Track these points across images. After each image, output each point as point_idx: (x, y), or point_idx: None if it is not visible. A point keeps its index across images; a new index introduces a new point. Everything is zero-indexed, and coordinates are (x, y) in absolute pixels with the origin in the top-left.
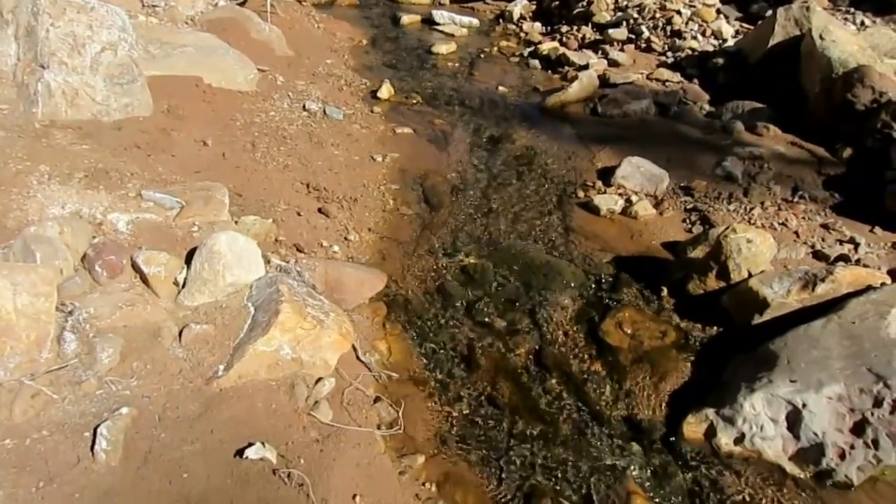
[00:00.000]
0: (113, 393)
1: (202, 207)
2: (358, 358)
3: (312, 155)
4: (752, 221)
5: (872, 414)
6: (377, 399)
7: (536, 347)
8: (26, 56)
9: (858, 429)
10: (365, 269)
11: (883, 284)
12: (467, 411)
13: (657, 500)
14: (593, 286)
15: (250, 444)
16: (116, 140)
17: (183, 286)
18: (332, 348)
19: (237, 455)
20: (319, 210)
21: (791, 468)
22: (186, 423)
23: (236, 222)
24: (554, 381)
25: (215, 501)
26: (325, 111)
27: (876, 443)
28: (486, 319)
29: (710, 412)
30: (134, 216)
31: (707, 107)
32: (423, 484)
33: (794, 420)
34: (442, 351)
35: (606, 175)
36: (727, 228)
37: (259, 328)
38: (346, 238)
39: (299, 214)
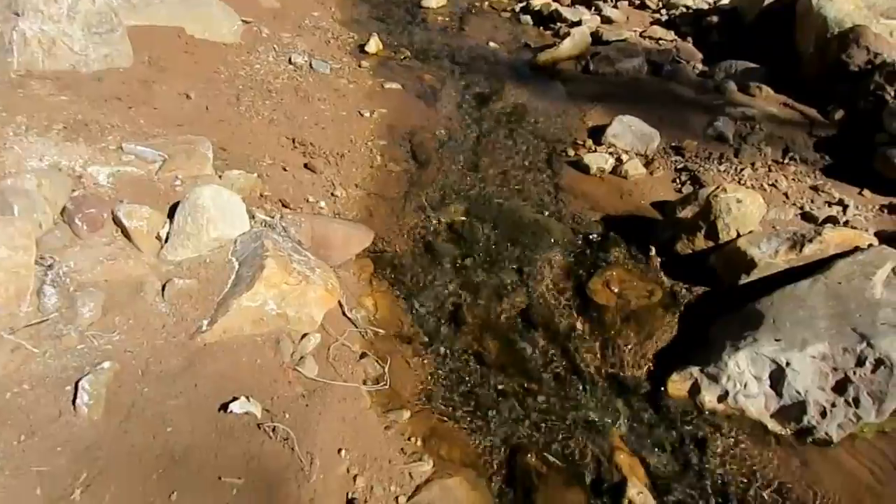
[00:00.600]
0: (95, 347)
1: (185, 161)
2: (344, 314)
3: (298, 109)
4: (743, 182)
5: (855, 373)
6: (363, 355)
7: (524, 305)
8: None
9: (840, 387)
10: (352, 225)
11: (870, 246)
12: (453, 367)
13: (641, 455)
14: (581, 245)
15: (235, 399)
16: (96, 91)
17: (166, 241)
18: (317, 304)
19: (221, 409)
20: (306, 165)
21: (773, 425)
22: (170, 377)
23: (220, 177)
24: (541, 338)
25: (199, 455)
26: (311, 65)
27: (857, 401)
28: (474, 277)
29: (695, 370)
30: (115, 169)
31: (700, 66)
32: (409, 438)
33: (778, 378)
34: (428, 308)
35: (597, 133)
36: (717, 188)
37: (243, 283)
38: (332, 194)
39: (285, 170)
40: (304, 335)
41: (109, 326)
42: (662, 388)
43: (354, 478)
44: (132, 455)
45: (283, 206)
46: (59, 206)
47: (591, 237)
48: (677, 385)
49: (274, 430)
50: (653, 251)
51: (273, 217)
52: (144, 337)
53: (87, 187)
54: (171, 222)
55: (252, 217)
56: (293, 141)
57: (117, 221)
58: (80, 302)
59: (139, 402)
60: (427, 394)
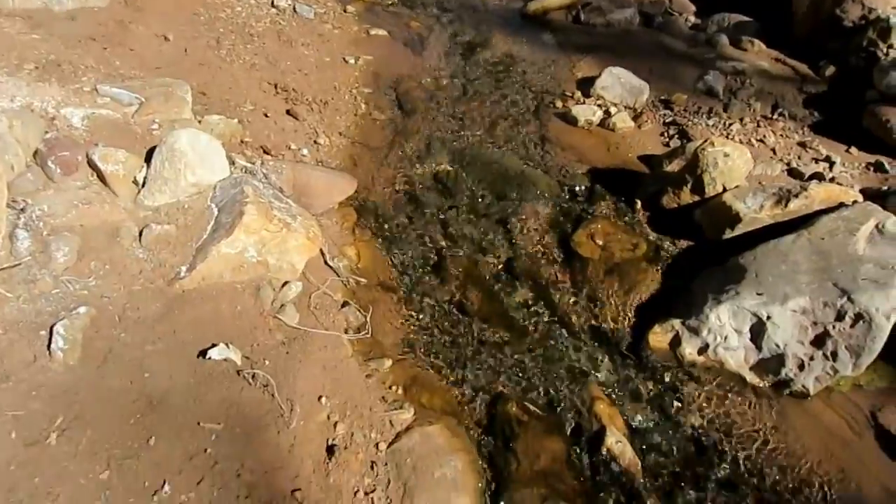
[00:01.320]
0: (70, 292)
1: (163, 104)
2: (326, 263)
3: (281, 54)
4: (731, 137)
5: (834, 327)
6: (345, 304)
7: (507, 256)
8: None
9: (819, 341)
10: (334, 173)
11: (855, 202)
12: (436, 317)
13: (620, 404)
14: (567, 197)
15: (213, 346)
16: (69, 31)
17: (143, 185)
18: (299, 252)
19: (200, 356)
20: (288, 112)
21: (751, 378)
22: (148, 323)
23: (199, 121)
24: (524, 289)
25: (177, 400)
26: (294, 8)
27: (835, 355)
28: (458, 228)
29: (676, 322)
30: (89, 111)
31: (693, 18)
32: (390, 387)
33: (758, 331)
34: (412, 258)
35: (586, 85)
36: (705, 142)
37: (223, 229)
38: (315, 141)
39: (267, 116)
40: (285, 283)
41: (85, 272)
42: (643, 340)
43: (335, 424)
44: (109, 400)
45: (265, 152)
46: (32, 148)
47: (576, 190)
48: (658, 337)
49: (254, 376)
50: (638, 205)
51: (254, 163)
52: (121, 283)
53: (61, 129)
54: (148, 167)
55: (232, 163)
56: (275, 87)
57: (92, 165)
58: (54, 246)
59: (116, 348)
60: (409, 343)
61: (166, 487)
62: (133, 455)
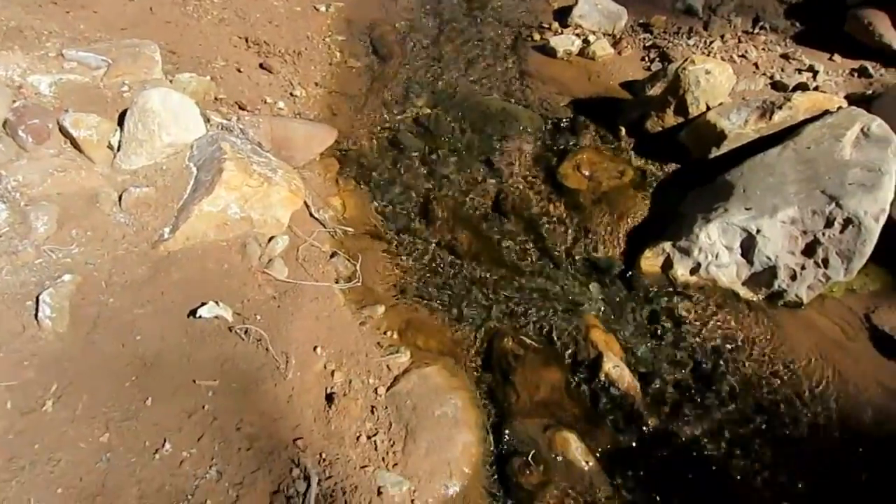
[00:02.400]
0: (53, 261)
1: (131, 65)
2: (311, 215)
3: (250, 7)
4: (712, 55)
5: (824, 234)
6: (334, 254)
7: (494, 195)
8: None
9: (809, 250)
10: (313, 124)
11: (839, 108)
12: (426, 261)
13: (615, 330)
14: (551, 130)
15: (203, 304)
16: None
17: (118, 149)
18: (283, 205)
19: (191, 315)
20: (261, 65)
21: (745, 292)
22: (135, 287)
23: (171, 81)
24: (512, 226)
25: (171, 360)
26: None
27: (826, 262)
28: (443, 169)
29: (667, 245)
30: (57, 77)
31: None
32: (385, 332)
33: (749, 246)
34: (398, 203)
35: (563, 15)
36: (685, 61)
37: (203, 188)
38: (291, 94)
39: (240, 71)
40: (272, 238)
41: (66, 240)
42: (635, 266)
43: (332, 373)
44: (102, 364)
45: (240, 108)
46: (1, 118)
47: (559, 122)
48: (650, 261)
49: (246, 332)
50: (623, 132)
51: (230, 120)
52: (104, 248)
53: (29, 97)
54: (122, 130)
55: (207, 121)
56: (246, 41)
57: (64, 132)
58: (33, 216)
59: (105, 313)
60: (401, 288)
61: (167, 445)
62: (131, 416)
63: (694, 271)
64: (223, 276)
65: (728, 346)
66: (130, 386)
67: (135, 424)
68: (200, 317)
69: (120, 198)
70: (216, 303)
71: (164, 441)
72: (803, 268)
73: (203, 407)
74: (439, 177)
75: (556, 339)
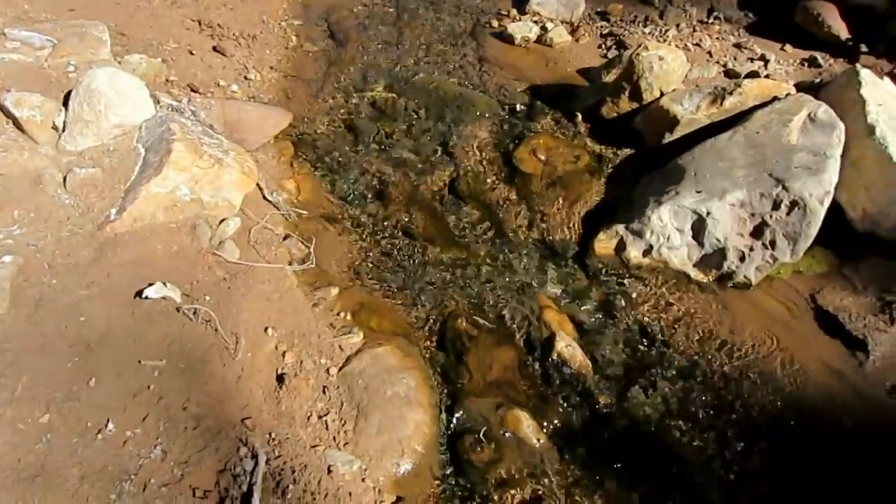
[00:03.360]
0: None
1: (77, 45)
2: (265, 197)
3: None
4: (667, 42)
5: (771, 216)
6: (287, 237)
7: (450, 178)
8: None
9: (757, 231)
10: (267, 107)
11: (788, 95)
12: (381, 243)
13: (569, 311)
14: (507, 116)
15: (150, 285)
16: None
17: (63, 130)
18: (234, 187)
19: (137, 296)
20: (214, 48)
21: (695, 274)
22: (80, 268)
23: (119, 62)
24: (468, 209)
25: (117, 341)
26: None
27: (773, 243)
28: (399, 153)
29: (620, 227)
30: None
31: None
32: (338, 314)
33: (699, 228)
34: (353, 186)
35: (521, 2)
36: (639, 47)
37: (151, 169)
38: (245, 77)
39: (192, 53)
40: (223, 220)
41: (8, 221)
42: (589, 248)
43: (283, 354)
44: (44, 346)
45: (192, 90)
46: None
47: (516, 107)
48: (603, 244)
49: (195, 312)
50: (579, 117)
51: (180, 101)
52: (48, 229)
53: None
54: (67, 110)
55: (157, 102)
56: (199, 23)
57: (6, 112)
58: None
59: (48, 294)
60: (355, 270)
61: (110, 425)
62: (73, 397)
63: (646, 253)
64: (172, 257)
65: (678, 327)
66: (73, 367)
67: (77, 405)
68: (147, 297)
69: (65, 179)
70: (164, 284)
71: (108, 421)
72: (751, 249)
73: (148, 387)
74: (395, 161)
75: (509, 319)
